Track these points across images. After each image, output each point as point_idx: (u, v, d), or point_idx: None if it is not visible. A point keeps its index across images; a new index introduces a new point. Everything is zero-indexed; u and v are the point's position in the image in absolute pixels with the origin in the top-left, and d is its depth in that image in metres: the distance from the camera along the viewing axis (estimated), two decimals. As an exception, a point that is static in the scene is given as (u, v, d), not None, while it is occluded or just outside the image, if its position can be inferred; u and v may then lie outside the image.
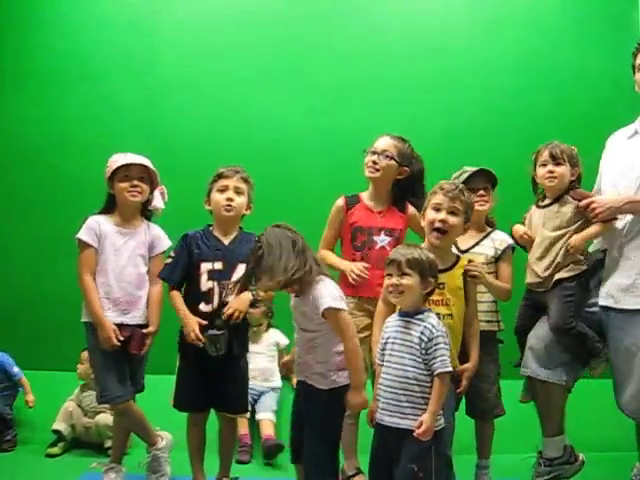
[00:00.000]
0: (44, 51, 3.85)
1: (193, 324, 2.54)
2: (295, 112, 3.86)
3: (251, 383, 2.86)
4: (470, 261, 2.52)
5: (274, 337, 3.59)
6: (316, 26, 3.91)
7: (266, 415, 3.39)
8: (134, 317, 2.70)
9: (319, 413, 2.25)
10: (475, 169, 2.75)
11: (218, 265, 2.60)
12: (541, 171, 2.70)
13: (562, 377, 2.63)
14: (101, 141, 3.70)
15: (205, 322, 2.56)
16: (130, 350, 2.66)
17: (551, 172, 2.67)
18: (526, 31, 3.93)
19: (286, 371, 3.56)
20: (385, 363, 2.21)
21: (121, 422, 2.80)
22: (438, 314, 2.32)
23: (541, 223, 2.70)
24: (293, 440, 2.38)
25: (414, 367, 2.14)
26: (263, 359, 3.50)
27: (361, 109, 3.85)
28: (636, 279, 2.53)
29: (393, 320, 2.26)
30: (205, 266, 2.60)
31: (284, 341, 3.57)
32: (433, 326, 2.15)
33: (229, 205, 2.63)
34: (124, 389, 2.65)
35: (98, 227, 2.70)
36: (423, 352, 2.13)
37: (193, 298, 2.61)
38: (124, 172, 2.70)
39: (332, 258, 2.78)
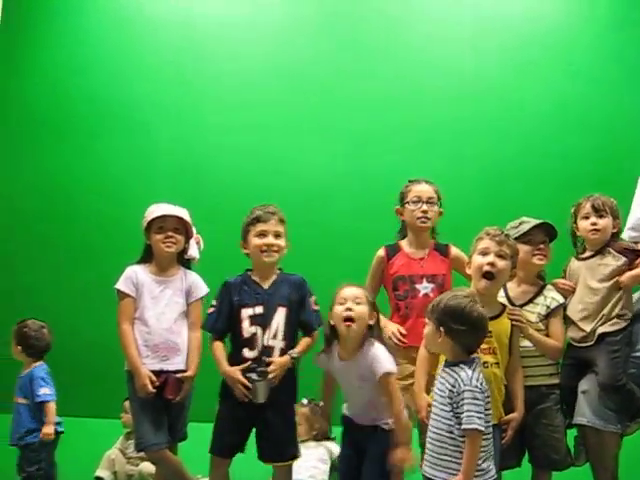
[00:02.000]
0: (86, 100, 3.97)
1: (232, 373, 2.51)
2: (327, 158, 3.93)
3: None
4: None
5: (327, 448, 3.27)
6: (347, 74, 3.99)
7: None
8: (173, 363, 2.69)
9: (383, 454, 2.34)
10: (538, 222, 2.67)
11: (259, 309, 2.57)
12: (583, 224, 2.65)
13: (617, 425, 2.57)
14: (140, 189, 3.78)
15: (246, 366, 2.52)
16: (165, 396, 2.64)
17: (594, 224, 2.64)
18: (561, 74, 3.97)
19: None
20: (431, 414, 2.18)
21: (159, 471, 2.78)
22: (485, 362, 2.30)
23: (582, 276, 2.67)
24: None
25: (448, 419, 2.10)
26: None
27: (392, 154, 3.89)
28: None
29: (440, 370, 2.23)
30: (246, 312, 2.57)
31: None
32: (462, 379, 2.09)
33: (270, 251, 2.59)
34: (159, 437, 2.63)
35: (135, 276, 2.74)
36: (454, 406, 2.09)
37: (236, 345, 2.59)
38: (159, 223, 2.73)
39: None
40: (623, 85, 3.94)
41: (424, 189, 2.78)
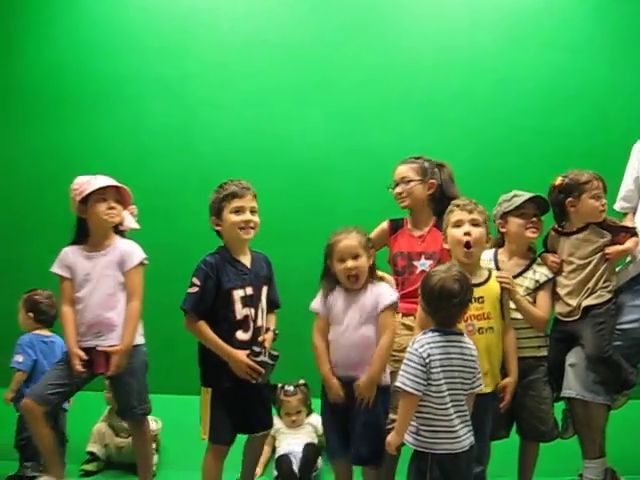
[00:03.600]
0: (78, 74, 3.93)
1: (242, 357, 2.47)
2: (324, 133, 3.89)
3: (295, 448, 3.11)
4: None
5: (314, 421, 3.30)
6: (344, 47, 3.94)
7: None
8: (108, 339, 2.70)
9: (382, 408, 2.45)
10: (530, 195, 2.69)
11: (249, 290, 2.55)
12: (595, 203, 2.64)
13: (605, 397, 2.61)
14: (135, 162, 3.78)
15: (250, 350, 2.49)
16: (96, 371, 2.69)
17: (604, 205, 2.67)
18: (556, 50, 3.92)
19: None
20: None
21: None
22: (480, 328, 2.40)
23: (567, 251, 2.68)
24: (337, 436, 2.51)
25: None
26: (304, 436, 3.26)
27: (390, 130, 3.86)
28: None
29: None
30: (237, 293, 2.52)
31: None
32: (412, 342, 2.21)
33: (247, 228, 2.55)
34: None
35: (67, 258, 2.76)
36: None
37: (227, 327, 2.51)
38: (101, 195, 2.73)
39: None
40: (619, 60, 3.90)
41: (398, 170, 2.83)
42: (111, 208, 2.74)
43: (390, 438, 2.18)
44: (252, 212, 2.57)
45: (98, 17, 3.96)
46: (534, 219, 2.68)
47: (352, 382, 2.46)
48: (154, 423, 3.21)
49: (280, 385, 3.26)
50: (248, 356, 2.47)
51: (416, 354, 2.15)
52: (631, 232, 2.69)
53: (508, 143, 3.85)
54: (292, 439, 3.24)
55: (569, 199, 2.69)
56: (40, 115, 3.89)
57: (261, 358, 2.47)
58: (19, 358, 3.07)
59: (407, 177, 2.78)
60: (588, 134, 3.83)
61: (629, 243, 2.64)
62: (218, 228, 2.59)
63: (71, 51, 3.94)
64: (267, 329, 2.62)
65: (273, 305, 2.68)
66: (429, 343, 2.16)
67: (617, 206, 2.89)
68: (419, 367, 2.13)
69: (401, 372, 2.16)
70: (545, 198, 2.73)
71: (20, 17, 3.95)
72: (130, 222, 2.87)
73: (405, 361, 2.17)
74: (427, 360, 2.13)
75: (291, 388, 3.27)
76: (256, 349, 2.48)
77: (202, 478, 2.54)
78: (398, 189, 2.80)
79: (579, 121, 3.86)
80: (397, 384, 2.15)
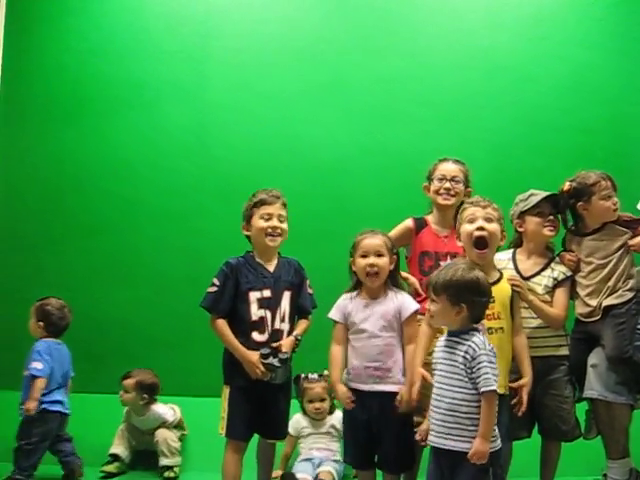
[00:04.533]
0: (98, 80, 3.95)
1: (253, 358, 2.53)
2: (341, 132, 3.88)
3: (314, 454, 3.14)
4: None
5: (336, 422, 3.26)
6: (363, 47, 3.94)
7: (326, 467, 3.16)
8: None
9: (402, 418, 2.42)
10: (546, 194, 2.68)
11: (267, 293, 2.60)
12: (605, 203, 2.63)
13: (628, 397, 2.58)
14: (153, 166, 3.80)
15: (264, 352, 2.53)
16: None
17: (616, 203, 2.64)
18: (573, 47, 3.89)
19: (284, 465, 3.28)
20: (435, 384, 2.20)
21: None
22: (490, 328, 2.35)
23: (588, 252, 2.66)
24: (362, 449, 2.48)
25: (461, 387, 2.12)
26: (326, 441, 3.27)
27: (409, 129, 3.85)
28: None
29: (441, 341, 2.25)
30: (254, 295, 2.59)
31: None
32: (477, 344, 2.13)
33: (274, 234, 2.62)
34: None
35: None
36: (468, 371, 2.12)
37: (242, 327, 2.59)
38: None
39: None
40: (637, 56, 3.87)
41: (450, 167, 2.84)
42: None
43: (480, 446, 2.05)
44: (280, 220, 2.64)
45: (115, 23, 3.99)
46: (551, 217, 2.67)
47: (375, 394, 2.45)
48: (171, 411, 3.27)
49: (304, 375, 3.24)
50: (263, 359, 2.52)
51: (492, 353, 2.13)
52: None
53: (526, 141, 3.82)
54: (313, 442, 3.24)
55: (580, 203, 2.68)
56: (59, 121, 3.91)
57: (269, 360, 2.51)
58: (38, 365, 2.99)
59: (458, 177, 2.81)
60: (607, 131, 3.80)
61: None
62: (247, 233, 2.68)
63: (88, 57, 3.96)
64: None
65: (302, 311, 2.71)
66: (486, 338, 2.17)
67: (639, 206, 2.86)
68: (494, 364, 2.12)
69: (489, 375, 2.07)
70: (558, 196, 2.72)
71: (37, 24, 3.99)
72: None
73: (487, 364, 2.09)
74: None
75: (315, 376, 3.25)
76: (264, 352, 2.52)
77: (222, 475, 2.59)
78: (447, 185, 2.79)
79: (597, 118, 3.82)
80: (491, 388, 2.06)
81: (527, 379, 2.44)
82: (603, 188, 2.63)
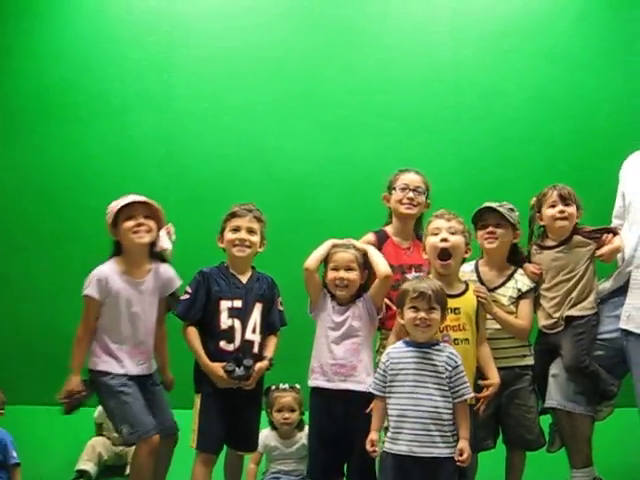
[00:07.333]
0: (64, 87, 3.92)
1: (215, 370, 2.55)
2: (310, 144, 3.90)
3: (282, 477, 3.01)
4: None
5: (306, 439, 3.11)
6: (331, 59, 3.97)
7: None
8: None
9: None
10: (482, 206, 2.71)
11: (237, 303, 2.62)
12: (550, 212, 2.70)
13: (587, 408, 2.63)
14: (120, 175, 3.77)
15: (229, 368, 2.54)
16: None
17: (562, 212, 2.68)
18: (541, 60, 3.96)
19: None
20: (407, 395, 2.22)
21: None
22: (456, 339, 2.41)
23: (551, 265, 2.71)
24: (330, 456, 2.48)
25: (442, 396, 2.21)
26: (294, 462, 3.13)
27: (378, 142, 3.88)
28: None
29: (403, 351, 2.29)
30: (225, 304, 2.61)
31: None
32: (455, 354, 2.26)
33: (242, 246, 2.65)
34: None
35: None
36: (448, 380, 2.22)
37: (211, 336, 2.61)
38: (128, 213, 2.60)
39: None
40: (604, 70, 3.93)
41: (413, 178, 2.84)
42: (140, 225, 2.60)
43: (467, 448, 2.21)
44: (250, 232, 2.66)
45: (81, 30, 3.96)
46: (490, 228, 2.68)
47: (343, 396, 2.46)
48: None
49: (274, 386, 3.13)
50: (226, 367, 2.53)
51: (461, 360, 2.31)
52: (612, 231, 2.74)
53: (494, 155, 3.87)
54: (282, 458, 3.10)
55: (537, 214, 2.77)
56: (26, 129, 3.88)
57: (235, 374, 2.53)
58: None
59: (420, 188, 2.82)
60: (574, 145, 3.86)
61: (616, 241, 2.68)
62: (221, 246, 2.71)
63: (56, 65, 3.93)
64: (263, 357, 2.64)
65: (271, 327, 2.71)
66: None
67: (613, 224, 2.91)
68: None
69: (466, 383, 2.25)
70: (499, 209, 2.68)
71: (4, 32, 3.95)
72: (164, 242, 2.69)
73: (463, 372, 2.25)
74: None
75: (286, 386, 3.18)
76: (229, 368, 2.53)
77: None
78: (410, 195, 2.80)
79: (565, 132, 3.88)
80: (472, 395, 2.28)
81: (496, 380, 2.47)
82: (548, 197, 2.72)
